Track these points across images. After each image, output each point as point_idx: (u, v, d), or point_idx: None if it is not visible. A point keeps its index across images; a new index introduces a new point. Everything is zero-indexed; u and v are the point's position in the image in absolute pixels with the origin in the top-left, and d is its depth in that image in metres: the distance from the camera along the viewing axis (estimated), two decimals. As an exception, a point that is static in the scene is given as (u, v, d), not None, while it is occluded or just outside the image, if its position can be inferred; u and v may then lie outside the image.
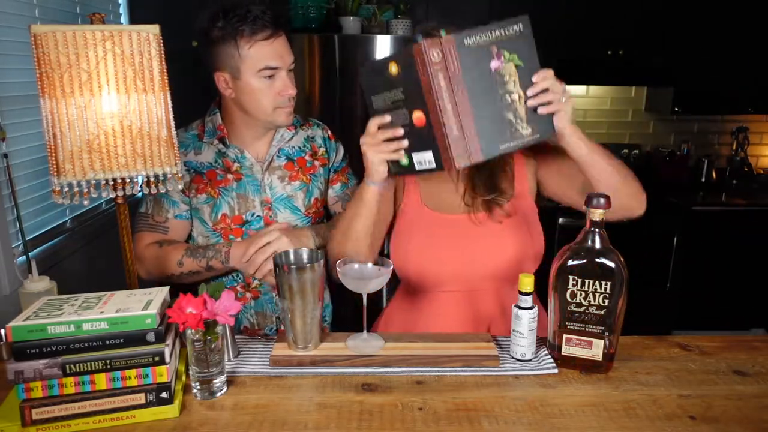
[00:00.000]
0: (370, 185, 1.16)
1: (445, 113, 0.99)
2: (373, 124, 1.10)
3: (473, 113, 0.99)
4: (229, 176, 1.41)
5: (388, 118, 1.08)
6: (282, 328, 1.45)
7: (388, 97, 1.06)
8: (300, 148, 1.48)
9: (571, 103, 1.06)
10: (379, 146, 1.09)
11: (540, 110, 1.04)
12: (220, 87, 1.35)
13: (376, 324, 1.43)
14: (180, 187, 1.14)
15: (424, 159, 1.04)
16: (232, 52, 1.29)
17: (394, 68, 1.03)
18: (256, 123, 1.39)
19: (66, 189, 1.05)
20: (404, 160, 1.08)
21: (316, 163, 1.49)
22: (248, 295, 1.45)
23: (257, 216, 1.41)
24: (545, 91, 1.03)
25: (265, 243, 1.29)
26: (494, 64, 1.01)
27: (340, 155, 1.56)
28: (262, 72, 1.29)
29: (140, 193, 1.12)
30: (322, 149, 1.51)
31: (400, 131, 1.06)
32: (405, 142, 1.06)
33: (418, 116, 1.02)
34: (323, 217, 1.54)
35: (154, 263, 1.36)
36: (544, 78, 1.04)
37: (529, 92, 1.03)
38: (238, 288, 1.44)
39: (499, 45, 1.01)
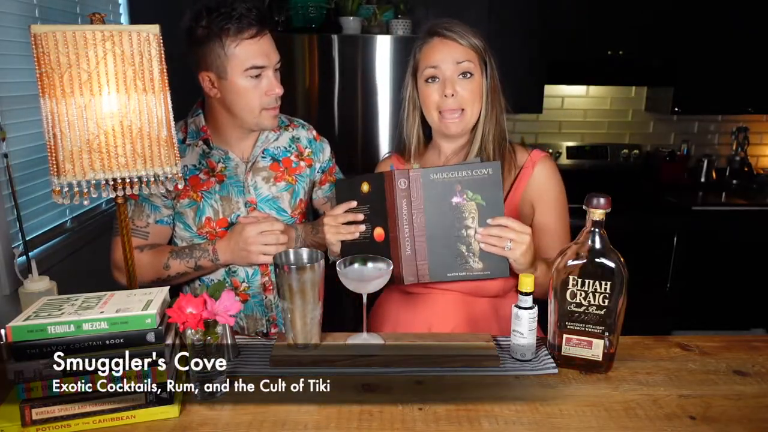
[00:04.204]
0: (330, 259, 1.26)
1: (401, 234, 1.14)
2: (341, 208, 1.19)
3: (427, 239, 1.13)
4: (212, 179, 1.39)
5: (354, 203, 1.18)
6: (272, 330, 1.45)
7: (357, 209, 1.19)
8: (285, 148, 1.47)
9: (526, 242, 1.09)
10: (339, 227, 1.19)
11: (484, 247, 1.11)
12: (205, 87, 1.33)
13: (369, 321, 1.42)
14: (181, 186, 1.14)
15: None
16: (218, 52, 1.27)
17: (365, 187, 1.17)
18: (241, 124, 1.37)
19: (66, 189, 1.05)
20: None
21: (302, 163, 1.48)
22: (237, 298, 1.44)
23: (241, 217, 1.39)
24: (498, 233, 1.09)
25: (278, 230, 1.31)
26: (456, 199, 1.12)
27: (327, 155, 1.53)
28: (248, 71, 1.28)
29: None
30: (308, 150, 1.49)
31: (360, 216, 1.17)
32: (362, 227, 1.17)
33: (378, 232, 1.16)
34: (306, 217, 1.53)
35: (137, 269, 1.34)
36: (500, 224, 1.09)
37: (480, 231, 1.10)
38: None
39: (463, 184, 1.11)
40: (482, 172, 1.11)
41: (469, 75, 1.23)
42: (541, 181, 1.28)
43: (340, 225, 1.19)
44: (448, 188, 1.12)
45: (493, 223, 1.10)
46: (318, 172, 1.52)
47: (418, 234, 1.14)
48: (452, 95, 1.22)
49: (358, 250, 1.18)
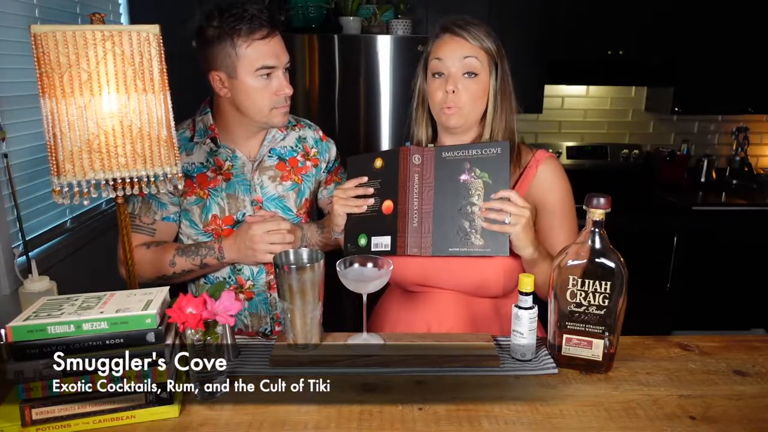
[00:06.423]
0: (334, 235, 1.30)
1: (410, 206, 1.17)
2: (352, 182, 1.23)
3: (434, 213, 1.16)
4: (219, 177, 1.40)
5: (365, 179, 1.22)
6: (276, 329, 1.46)
7: (367, 184, 1.22)
8: (292, 148, 1.48)
9: (526, 216, 1.10)
10: (347, 200, 1.22)
11: (484, 225, 1.12)
12: (215, 86, 1.34)
13: (371, 320, 1.42)
14: (180, 185, 1.14)
15: (381, 242, 1.19)
16: (228, 51, 1.28)
17: (378, 163, 1.22)
18: (250, 122, 1.38)
19: (66, 189, 1.05)
20: (362, 241, 1.21)
21: (308, 163, 1.49)
22: (241, 296, 1.44)
23: (248, 216, 1.40)
24: (500, 209, 1.10)
25: (285, 230, 1.33)
26: (464, 177, 1.15)
27: (333, 155, 1.55)
28: (259, 71, 1.29)
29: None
30: (315, 150, 1.50)
31: (370, 190, 1.21)
32: (371, 201, 1.21)
33: (387, 205, 1.19)
34: (311, 217, 1.53)
35: (141, 266, 1.34)
36: (502, 199, 1.11)
37: (483, 206, 1.12)
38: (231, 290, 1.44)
39: (472, 162, 1.15)
40: (491, 151, 1.14)
41: (473, 75, 1.22)
42: (545, 182, 1.27)
43: (349, 198, 1.21)
44: (458, 166, 1.16)
45: (495, 197, 1.12)
46: (324, 172, 1.53)
47: (425, 208, 1.17)
48: (453, 92, 1.21)
49: (364, 222, 1.21)
